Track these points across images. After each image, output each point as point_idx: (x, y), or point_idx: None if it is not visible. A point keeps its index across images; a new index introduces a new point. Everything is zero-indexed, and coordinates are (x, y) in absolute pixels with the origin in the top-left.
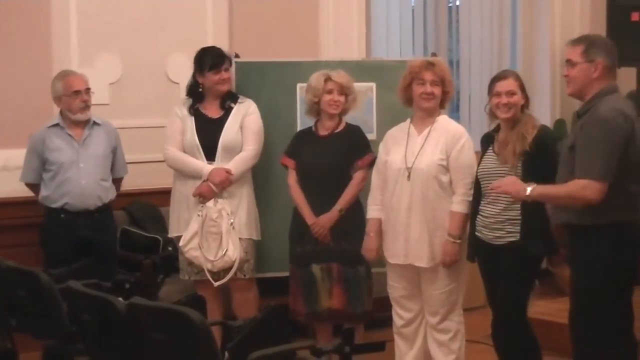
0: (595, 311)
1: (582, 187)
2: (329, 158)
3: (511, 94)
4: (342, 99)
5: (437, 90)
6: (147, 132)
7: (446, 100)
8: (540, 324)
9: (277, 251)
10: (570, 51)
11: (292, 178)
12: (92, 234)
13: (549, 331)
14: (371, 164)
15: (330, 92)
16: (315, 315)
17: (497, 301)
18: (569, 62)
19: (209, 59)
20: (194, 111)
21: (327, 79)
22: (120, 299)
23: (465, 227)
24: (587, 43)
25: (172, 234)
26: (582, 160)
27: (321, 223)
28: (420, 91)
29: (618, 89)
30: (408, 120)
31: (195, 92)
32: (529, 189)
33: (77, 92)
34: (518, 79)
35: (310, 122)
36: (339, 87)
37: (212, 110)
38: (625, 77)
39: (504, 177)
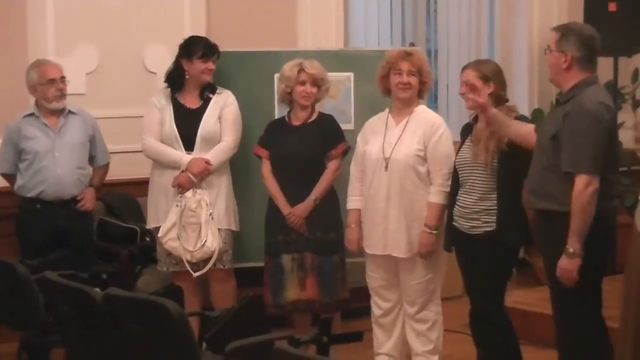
0: (572, 298)
1: (585, 187)
2: (302, 148)
3: (467, 84)
4: (314, 90)
5: (413, 81)
6: (124, 122)
7: (424, 90)
8: (517, 313)
9: (255, 241)
10: (550, 37)
11: (266, 168)
12: (68, 224)
13: (526, 320)
14: (345, 153)
15: (303, 83)
16: (280, 307)
17: (475, 291)
18: (548, 48)
19: (201, 47)
20: (173, 101)
21: (300, 69)
22: (97, 289)
23: (442, 218)
24: (562, 32)
25: (150, 225)
26: (571, 154)
27: (297, 213)
28: (397, 81)
29: (598, 80)
30: (387, 111)
31: (176, 80)
32: (570, 250)
33: (52, 81)
34: (479, 69)
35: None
36: (312, 79)
37: (190, 101)
38: (603, 67)
39: (479, 169)
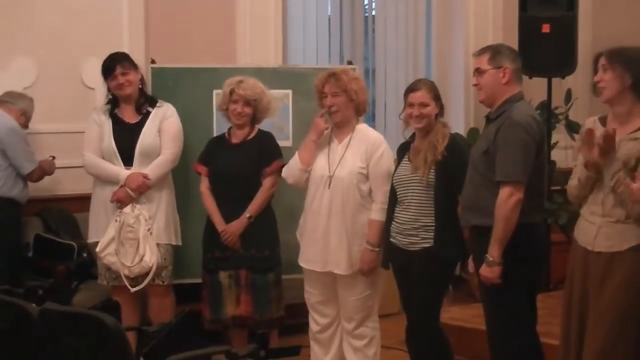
0: (506, 313)
1: (508, 197)
2: (238, 165)
3: (424, 105)
4: (247, 110)
5: (338, 101)
6: (61, 137)
7: (358, 109)
8: (453, 329)
9: (195, 257)
10: (477, 61)
11: (204, 185)
12: None
13: (462, 336)
14: (280, 170)
15: (235, 101)
16: (219, 322)
17: (411, 306)
18: (478, 71)
19: (103, 68)
20: (112, 116)
21: (232, 89)
22: (33, 305)
23: (383, 235)
24: (491, 51)
25: (90, 239)
26: (502, 164)
27: (231, 230)
28: (325, 104)
29: (524, 96)
30: (329, 128)
31: (112, 98)
32: (490, 258)
33: None
34: (432, 89)
35: (226, 128)
36: (243, 99)
37: (129, 115)
38: (537, 87)
39: (417, 185)
